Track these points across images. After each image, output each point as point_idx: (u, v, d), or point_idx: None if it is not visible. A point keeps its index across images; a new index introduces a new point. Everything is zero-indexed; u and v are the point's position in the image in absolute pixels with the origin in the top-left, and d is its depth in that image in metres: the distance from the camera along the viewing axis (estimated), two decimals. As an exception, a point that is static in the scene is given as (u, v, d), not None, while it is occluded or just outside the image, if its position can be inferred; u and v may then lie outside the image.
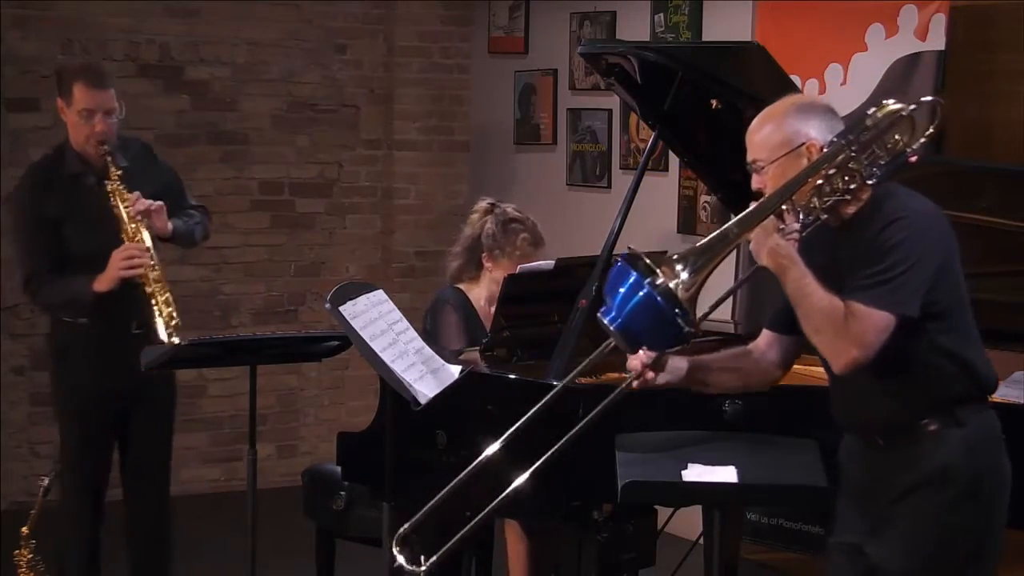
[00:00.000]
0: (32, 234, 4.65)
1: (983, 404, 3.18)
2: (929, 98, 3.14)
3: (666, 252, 4.54)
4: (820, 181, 3.04)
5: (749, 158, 3.19)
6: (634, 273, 2.96)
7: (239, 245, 7.17)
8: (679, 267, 2.94)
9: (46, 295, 4.66)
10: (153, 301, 4.47)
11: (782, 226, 3.04)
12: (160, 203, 4.59)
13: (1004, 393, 4.01)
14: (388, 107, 7.51)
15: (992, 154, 5.09)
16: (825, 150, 3.07)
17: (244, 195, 7.17)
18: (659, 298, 2.92)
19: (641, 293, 2.94)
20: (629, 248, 3.04)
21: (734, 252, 3.30)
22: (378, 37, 7.49)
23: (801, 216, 3.05)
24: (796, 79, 4.08)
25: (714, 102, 4.28)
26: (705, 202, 6.25)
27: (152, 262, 4.51)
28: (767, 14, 5.97)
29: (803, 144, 3.10)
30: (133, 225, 4.53)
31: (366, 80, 7.48)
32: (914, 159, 3.08)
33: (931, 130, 3.10)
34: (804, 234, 3.06)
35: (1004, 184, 4.22)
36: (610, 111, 6.78)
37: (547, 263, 4.63)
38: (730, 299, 4.98)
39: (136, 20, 6.88)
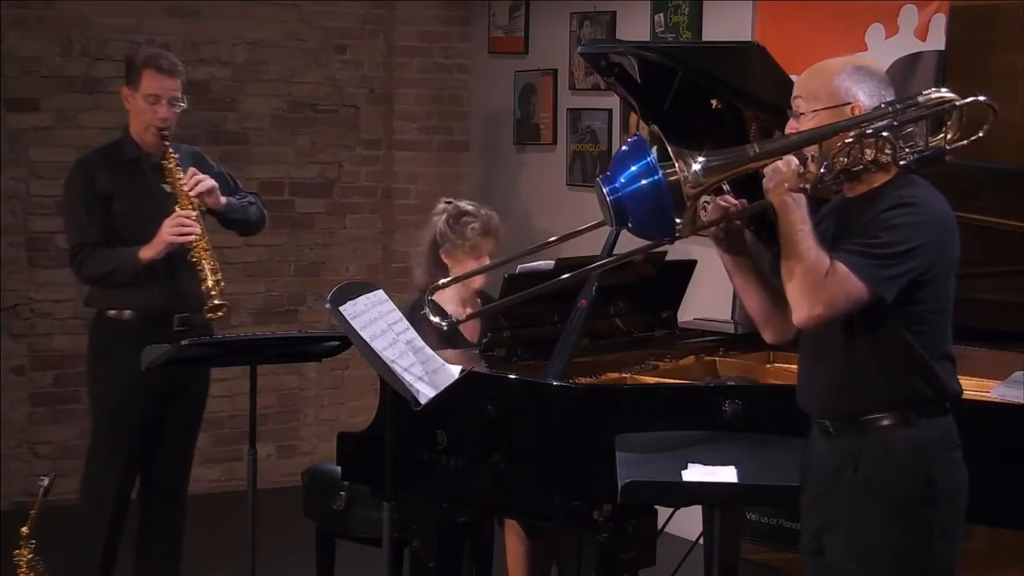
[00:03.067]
0: (83, 207, 4.74)
1: (941, 412, 3.12)
2: (983, 98, 3.10)
3: None
4: (852, 140, 3.02)
5: (792, 96, 3.16)
6: (651, 155, 2.89)
7: (239, 245, 7.14)
8: (693, 161, 2.89)
9: (92, 265, 4.73)
10: (200, 268, 4.61)
11: (802, 170, 3.01)
12: (212, 181, 4.73)
13: (1004, 393, 4.01)
14: (388, 107, 7.51)
15: (992, 154, 5.08)
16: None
17: (244, 195, 7.16)
18: (666, 188, 2.86)
19: (650, 178, 2.87)
20: (652, 126, 2.99)
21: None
22: (378, 37, 7.49)
23: (823, 169, 3.03)
24: (796, 79, 4.07)
25: (714, 102, 4.28)
26: (705, 202, 6.24)
27: (200, 231, 4.62)
28: (767, 14, 5.97)
29: (849, 104, 3.08)
30: (186, 201, 4.66)
31: (366, 80, 7.48)
32: (949, 158, 3.08)
33: (979, 134, 3.09)
34: (820, 185, 3.05)
35: (1004, 184, 4.22)
36: (610, 111, 6.78)
37: (547, 263, 4.63)
38: (730, 299, 5.02)
39: (136, 20, 6.88)
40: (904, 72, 5.35)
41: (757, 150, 3.01)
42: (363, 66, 7.47)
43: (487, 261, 4.77)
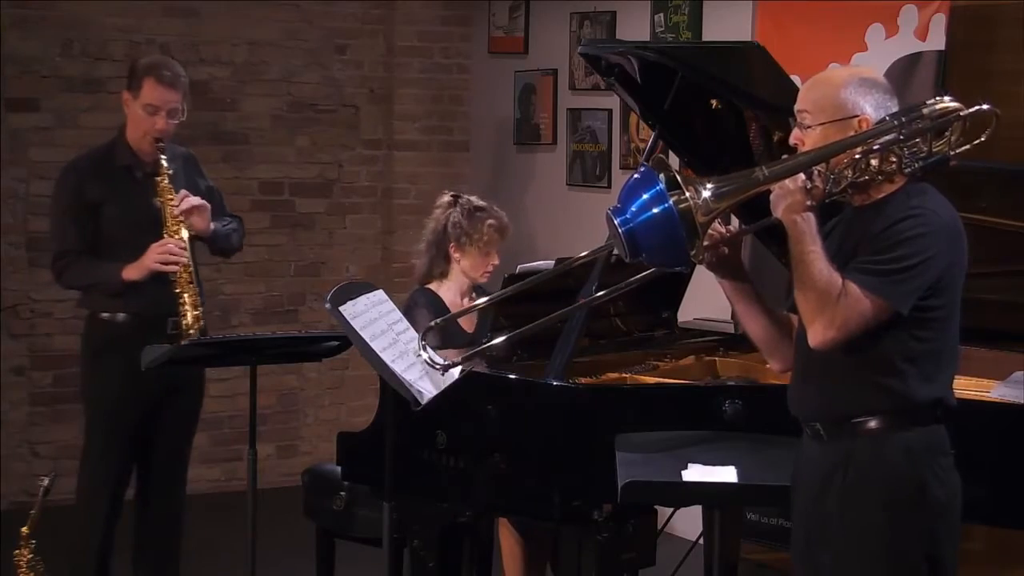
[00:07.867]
0: (69, 214, 4.70)
1: (933, 419, 3.08)
2: (986, 106, 3.09)
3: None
4: (859, 156, 3.01)
5: (797, 108, 3.13)
6: (660, 183, 2.88)
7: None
8: (702, 188, 2.89)
9: (73, 275, 4.72)
10: (181, 301, 4.55)
11: (810, 186, 3.00)
12: (205, 203, 4.67)
13: (1004, 393, 4.01)
14: (388, 107, 7.52)
15: (992, 154, 5.09)
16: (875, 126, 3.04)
17: (244, 195, 7.16)
18: (677, 216, 2.86)
19: (661, 206, 2.86)
20: (659, 156, 2.97)
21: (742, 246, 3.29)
22: (378, 37, 7.49)
23: (829, 184, 3.02)
24: (796, 79, 4.06)
25: (714, 102, 4.28)
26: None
27: (187, 261, 4.57)
28: (767, 14, 5.97)
29: (856, 116, 3.06)
30: (175, 224, 4.60)
31: (366, 80, 7.48)
32: (954, 163, 3.07)
33: (982, 138, 3.08)
34: (827, 200, 3.04)
35: (1004, 184, 4.22)
36: (610, 111, 6.78)
37: (547, 263, 4.63)
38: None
39: (136, 20, 6.88)
40: (904, 72, 5.35)
41: (766, 173, 2.99)
42: (363, 66, 7.47)
43: (495, 259, 4.78)
